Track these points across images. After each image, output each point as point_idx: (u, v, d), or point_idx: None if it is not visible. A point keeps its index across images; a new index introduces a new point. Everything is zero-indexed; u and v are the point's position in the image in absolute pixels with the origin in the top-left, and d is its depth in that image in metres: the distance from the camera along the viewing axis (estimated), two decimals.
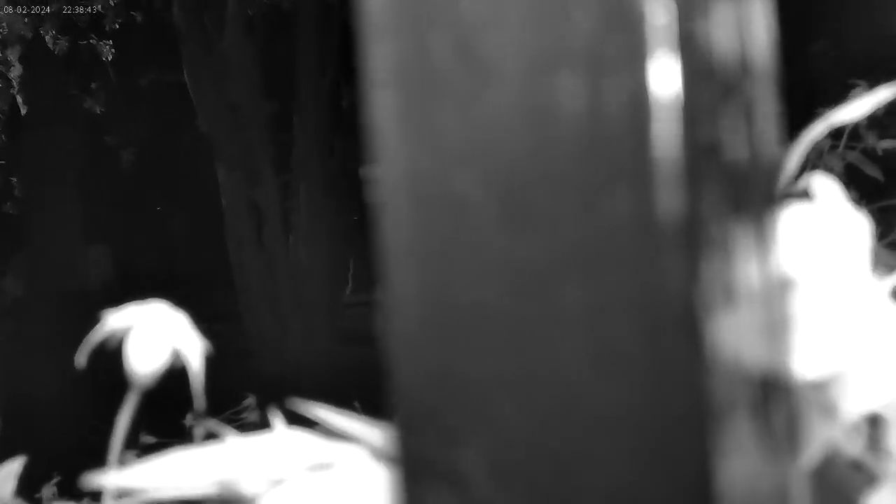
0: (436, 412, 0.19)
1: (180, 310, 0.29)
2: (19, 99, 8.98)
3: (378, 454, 0.26)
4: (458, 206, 0.18)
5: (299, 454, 0.26)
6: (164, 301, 0.30)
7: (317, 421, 0.29)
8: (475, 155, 0.18)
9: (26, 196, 8.92)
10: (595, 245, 0.17)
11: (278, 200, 5.95)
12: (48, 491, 0.94)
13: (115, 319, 0.28)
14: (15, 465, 0.34)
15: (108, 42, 8.80)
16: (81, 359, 0.29)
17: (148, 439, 1.04)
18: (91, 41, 8.75)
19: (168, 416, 1.05)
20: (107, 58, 8.89)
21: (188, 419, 1.04)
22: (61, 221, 8.78)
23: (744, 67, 0.19)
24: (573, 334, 0.18)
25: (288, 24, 6.00)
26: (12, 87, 9.03)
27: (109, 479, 0.26)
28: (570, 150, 0.18)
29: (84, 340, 0.29)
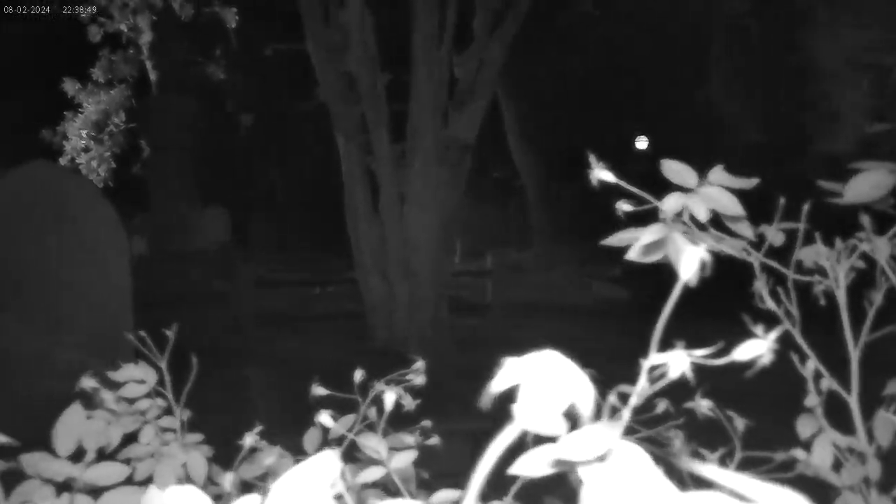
0: None
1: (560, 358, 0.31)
2: (148, 65, 9.34)
3: None
4: None
5: None
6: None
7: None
8: None
9: (151, 158, 9.31)
10: None
11: (393, 169, 6.05)
12: (250, 440, 0.98)
13: (515, 368, 0.31)
14: (332, 462, 0.33)
15: (232, 9, 9.04)
16: (486, 402, 0.32)
17: (320, 390, 1.06)
18: (216, 8, 9.00)
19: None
20: (231, 25, 9.14)
21: (357, 376, 1.04)
22: (182, 183, 9.15)
23: None
24: None
25: None
26: (141, 53, 9.40)
27: None
28: None
29: (484, 388, 0.31)
